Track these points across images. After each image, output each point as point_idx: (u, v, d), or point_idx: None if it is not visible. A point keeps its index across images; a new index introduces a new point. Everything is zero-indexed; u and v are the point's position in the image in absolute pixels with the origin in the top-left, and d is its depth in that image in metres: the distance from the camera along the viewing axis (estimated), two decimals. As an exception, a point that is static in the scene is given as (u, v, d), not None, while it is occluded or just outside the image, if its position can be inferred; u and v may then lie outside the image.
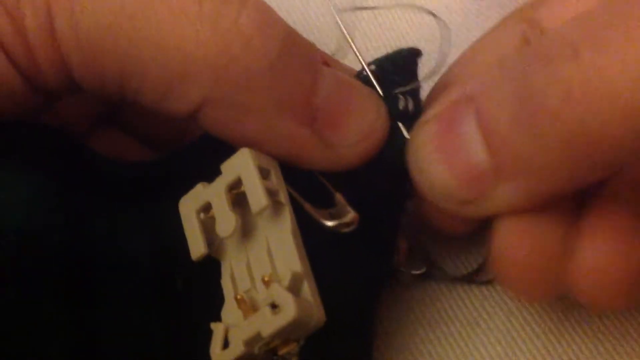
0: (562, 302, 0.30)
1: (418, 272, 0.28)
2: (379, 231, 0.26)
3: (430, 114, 0.24)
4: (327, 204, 0.26)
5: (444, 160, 0.24)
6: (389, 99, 0.26)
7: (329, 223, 0.25)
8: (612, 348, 0.29)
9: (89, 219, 0.26)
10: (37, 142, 0.26)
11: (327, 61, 0.27)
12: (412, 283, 0.29)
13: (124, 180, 0.28)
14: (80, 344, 0.25)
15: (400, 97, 0.26)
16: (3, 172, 0.25)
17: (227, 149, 0.25)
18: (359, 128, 0.25)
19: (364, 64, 0.27)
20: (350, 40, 0.27)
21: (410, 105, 0.26)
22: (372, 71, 0.27)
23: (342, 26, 0.27)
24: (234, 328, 0.24)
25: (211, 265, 0.26)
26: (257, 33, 0.24)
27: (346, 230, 0.25)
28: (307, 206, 0.25)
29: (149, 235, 0.27)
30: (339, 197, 0.25)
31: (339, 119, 0.25)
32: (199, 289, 0.26)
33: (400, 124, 0.26)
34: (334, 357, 0.25)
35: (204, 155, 0.27)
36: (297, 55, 0.25)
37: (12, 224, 0.24)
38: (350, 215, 0.25)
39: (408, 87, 0.27)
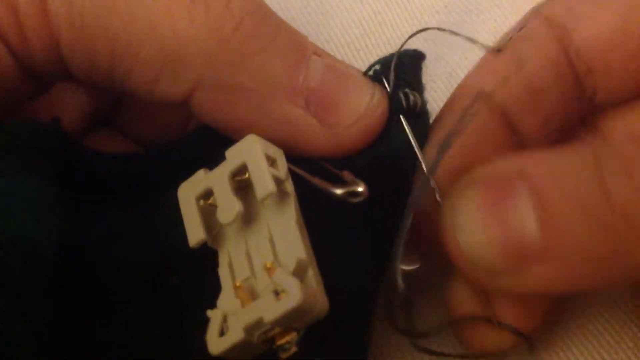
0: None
1: (409, 268, 0.28)
2: (382, 222, 0.25)
3: (472, 178, 0.24)
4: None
5: (490, 227, 0.23)
6: (397, 94, 0.26)
7: (338, 191, 0.24)
8: (607, 356, 0.28)
9: (84, 221, 0.26)
10: (32, 141, 0.26)
11: (321, 54, 0.27)
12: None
13: (118, 176, 0.27)
14: (76, 347, 0.24)
15: (409, 93, 0.26)
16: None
17: (222, 142, 0.25)
18: (355, 108, 0.25)
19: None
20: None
21: (419, 102, 0.26)
22: (378, 69, 0.27)
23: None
24: (232, 315, 0.23)
25: (207, 256, 0.25)
26: (248, 17, 0.24)
27: (354, 200, 0.24)
28: (316, 179, 0.25)
29: (144, 233, 0.26)
30: (346, 173, 0.25)
31: (334, 101, 0.25)
32: (194, 281, 0.26)
33: (403, 119, 0.26)
34: (333, 347, 0.25)
35: (199, 147, 0.27)
36: (287, 41, 0.25)
37: (10, 232, 0.23)
38: (360, 185, 0.24)
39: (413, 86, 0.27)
